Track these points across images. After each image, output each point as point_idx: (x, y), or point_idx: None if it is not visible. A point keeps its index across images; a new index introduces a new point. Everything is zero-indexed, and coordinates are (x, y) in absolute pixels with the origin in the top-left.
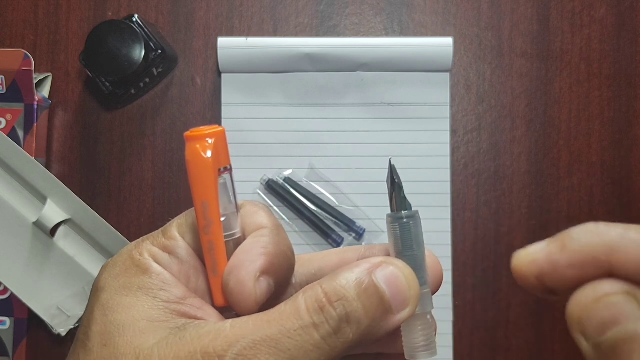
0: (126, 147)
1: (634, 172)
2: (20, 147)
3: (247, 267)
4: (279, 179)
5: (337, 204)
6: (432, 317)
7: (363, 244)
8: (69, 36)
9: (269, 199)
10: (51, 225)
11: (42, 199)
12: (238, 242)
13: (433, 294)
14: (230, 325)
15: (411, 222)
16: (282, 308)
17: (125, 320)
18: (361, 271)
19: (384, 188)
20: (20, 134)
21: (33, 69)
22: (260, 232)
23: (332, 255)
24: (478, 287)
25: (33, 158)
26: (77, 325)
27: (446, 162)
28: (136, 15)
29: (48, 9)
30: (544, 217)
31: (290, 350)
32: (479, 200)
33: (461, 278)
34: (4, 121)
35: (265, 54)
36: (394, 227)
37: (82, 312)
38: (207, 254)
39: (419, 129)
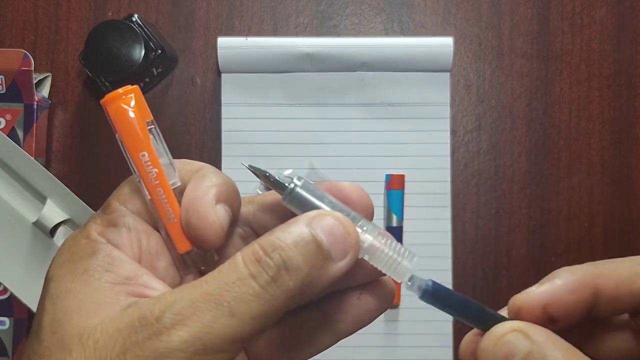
0: None
1: (634, 172)
2: (20, 147)
3: (202, 199)
4: None
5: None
6: (384, 233)
7: None
8: (68, 36)
9: None
10: (51, 225)
11: (42, 199)
12: (181, 191)
13: (371, 219)
14: (170, 292)
15: (298, 189)
16: (221, 267)
17: (72, 305)
18: (298, 225)
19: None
20: (20, 134)
21: (33, 68)
22: (199, 173)
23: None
24: (478, 287)
25: (33, 158)
26: None
27: (446, 162)
28: (136, 15)
29: (48, 8)
30: (544, 217)
31: (229, 303)
32: (479, 200)
33: (461, 278)
34: (3, 121)
35: (265, 54)
36: (293, 202)
37: None
38: (159, 205)
39: (419, 129)
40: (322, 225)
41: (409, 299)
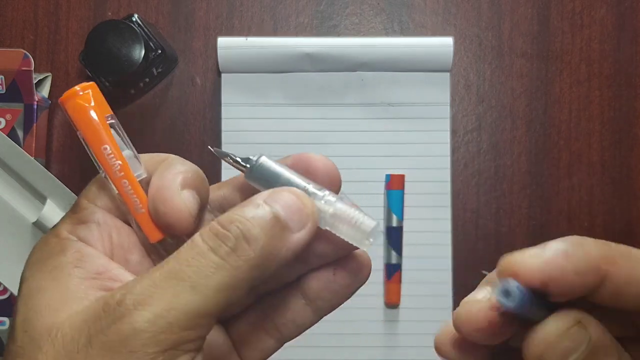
0: None
1: (634, 172)
2: (20, 147)
3: (168, 186)
4: None
5: None
6: (349, 204)
7: None
8: (68, 36)
9: None
10: (51, 225)
11: (42, 199)
12: (148, 182)
13: (338, 190)
14: (133, 279)
15: (257, 166)
16: (180, 247)
17: (41, 303)
18: (254, 201)
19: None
20: (20, 134)
21: (33, 68)
22: (165, 163)
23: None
24: None
25: (33, 158)
26: None
27: (446, 162)
28: (136, 15)
29: (48, 8)
30: (544, 217)
31: (190, 277)
32: (479, 200)
33: (461, 278)
34: (3, 121)
35: (265, 54)
36: (254, 179)
37: None
38: (125, 196)
39: (419, 129)
40: (277, 198)
41: (409, 299)
